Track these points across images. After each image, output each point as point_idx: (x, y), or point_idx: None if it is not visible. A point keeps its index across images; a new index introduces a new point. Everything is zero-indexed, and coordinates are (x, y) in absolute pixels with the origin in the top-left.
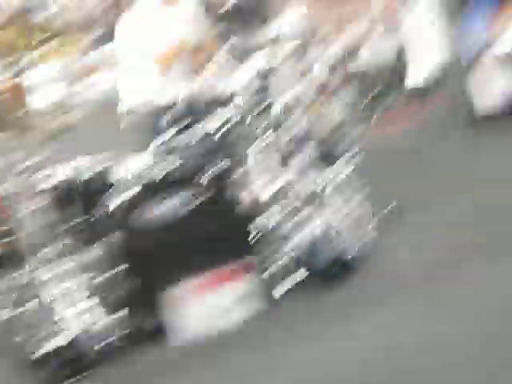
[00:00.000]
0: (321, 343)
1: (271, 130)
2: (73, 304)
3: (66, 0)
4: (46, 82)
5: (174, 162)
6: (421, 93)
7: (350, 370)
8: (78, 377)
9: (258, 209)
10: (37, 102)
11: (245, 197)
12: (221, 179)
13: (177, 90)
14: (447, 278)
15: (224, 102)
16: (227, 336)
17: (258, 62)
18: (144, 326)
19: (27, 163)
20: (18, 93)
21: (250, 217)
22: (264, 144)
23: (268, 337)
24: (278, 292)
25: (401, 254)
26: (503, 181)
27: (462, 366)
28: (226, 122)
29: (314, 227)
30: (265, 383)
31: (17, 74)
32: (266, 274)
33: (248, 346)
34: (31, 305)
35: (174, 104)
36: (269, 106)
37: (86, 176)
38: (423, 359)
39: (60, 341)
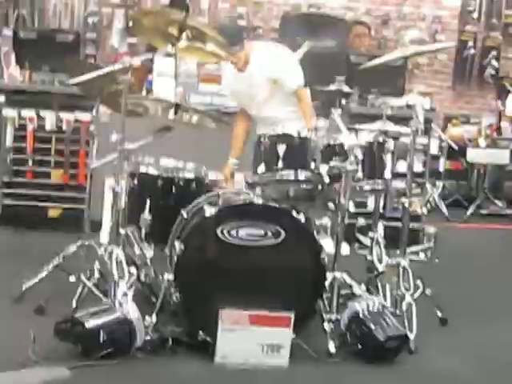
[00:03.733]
0: None
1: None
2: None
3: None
4: (169, 76)
5: (274, 193)
6: None
7: None
8: (115, 359)
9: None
10: (157, 91)
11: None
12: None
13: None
14: None
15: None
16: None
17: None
18: (193, 337)
19: (131, 145)
20: (141, 76)
21: (323, 271)
22: None
23: None
24: (331, 348)
25: (434, 359)
26: None
27: None
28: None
29: (374, 301)
30: None
31: (151, 60)
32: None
33: None
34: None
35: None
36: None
37: (186, 175)
38: None
39: (114, 318)
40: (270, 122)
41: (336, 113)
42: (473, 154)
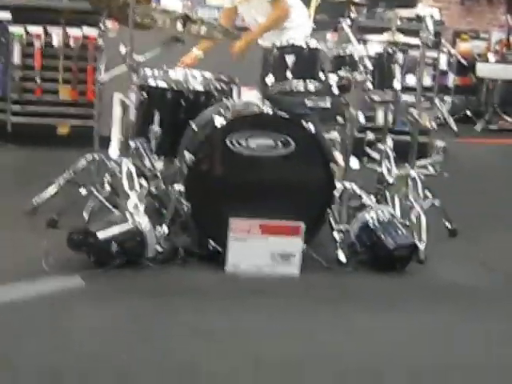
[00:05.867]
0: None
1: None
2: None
3: None
4: None
5: (286, 104)
6: None
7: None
8: (127, 270)
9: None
10: (164, 5)
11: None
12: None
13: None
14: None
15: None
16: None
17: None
18: (204, 247)
19: (140, 58)
20: None
21: (332, 181)
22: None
23: (299, 298)
24: (341, 257)
25: (444, 269)
26: None
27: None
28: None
29: (383, 211)
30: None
31: None
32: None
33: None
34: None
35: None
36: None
37: (196, 87)
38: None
39: (126, 229)
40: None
41: (345, 23)
42: (482, 70)
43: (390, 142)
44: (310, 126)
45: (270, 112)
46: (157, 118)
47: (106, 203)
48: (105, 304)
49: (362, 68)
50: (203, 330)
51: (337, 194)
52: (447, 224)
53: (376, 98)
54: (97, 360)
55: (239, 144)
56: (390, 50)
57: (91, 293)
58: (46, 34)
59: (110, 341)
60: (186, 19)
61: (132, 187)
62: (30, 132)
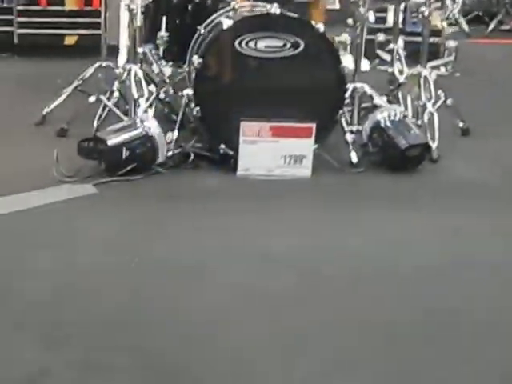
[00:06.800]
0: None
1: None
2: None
3: None
4: None
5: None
6: None
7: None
8: (138, 175)
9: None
10: None
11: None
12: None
13: None
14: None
15: None
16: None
17: None
18: (215, 151)
19: None
20: None
21: (343, 82)
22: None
23: (312, 198)
24: (353, 158)
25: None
26: None
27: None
28: None
29: (395, 111)
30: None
31: None
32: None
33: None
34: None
35: None
36: None
37: None
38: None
39: (136, 134)
40: None
41: None
42: None
43: (401, 42)
44: (319, 26)
45: (278, 12)
46: (164, 23)
47: (116, 110)
48: (117, 210)
49: None
50: (213, 230)
51: (348, 94)
52: (460, 123)
53: None
54: (110, 268)
55: (248, 46)
56: None
57: (104, 200)
58: None
59: (124, 247)
60: None
61: (141, 93)
62: (36, 43)
